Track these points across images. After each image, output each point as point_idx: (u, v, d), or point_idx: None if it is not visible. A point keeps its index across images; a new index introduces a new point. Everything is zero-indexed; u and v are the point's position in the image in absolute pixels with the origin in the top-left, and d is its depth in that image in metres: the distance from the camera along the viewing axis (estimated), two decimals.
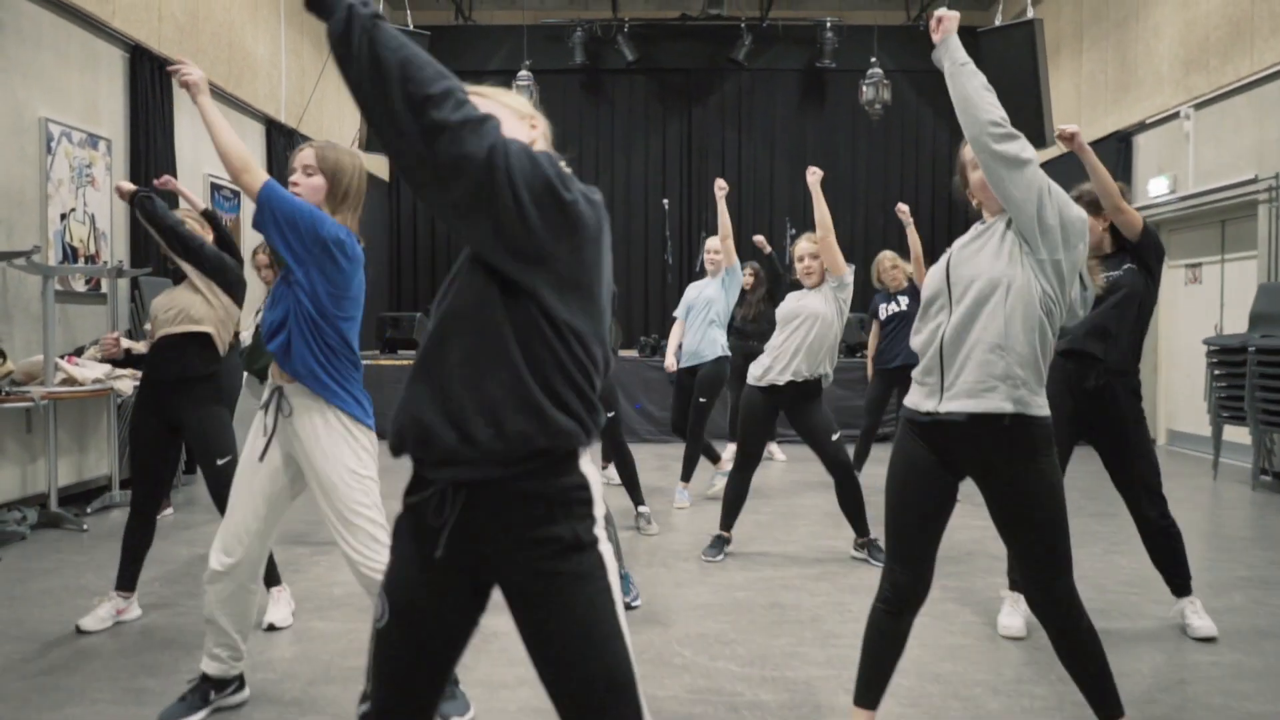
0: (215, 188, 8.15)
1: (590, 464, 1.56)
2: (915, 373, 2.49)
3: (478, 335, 1.51)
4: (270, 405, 2.74)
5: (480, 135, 1.39)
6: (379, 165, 12.71)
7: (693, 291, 6.37)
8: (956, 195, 2.66)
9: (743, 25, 12.48)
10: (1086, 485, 6.48)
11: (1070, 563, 2.40)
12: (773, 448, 8.43)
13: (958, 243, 2.50)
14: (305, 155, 2.74)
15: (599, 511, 1.55)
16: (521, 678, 3.11)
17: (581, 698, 1.52)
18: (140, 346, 4.19)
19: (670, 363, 6.48)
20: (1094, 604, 3.86)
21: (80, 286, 6.22)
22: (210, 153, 8.04)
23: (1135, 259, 3.58)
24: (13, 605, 3.94)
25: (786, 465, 8.15)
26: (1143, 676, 3.20)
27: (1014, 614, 3.65)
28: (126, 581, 3.71)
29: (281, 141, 9.35)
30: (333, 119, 10.91)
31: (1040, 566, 2.38)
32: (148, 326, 3.91)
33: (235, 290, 3.74)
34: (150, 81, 6.93)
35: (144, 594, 3.92)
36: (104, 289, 6.49)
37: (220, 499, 3.69)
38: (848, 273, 4.75)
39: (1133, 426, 3.59)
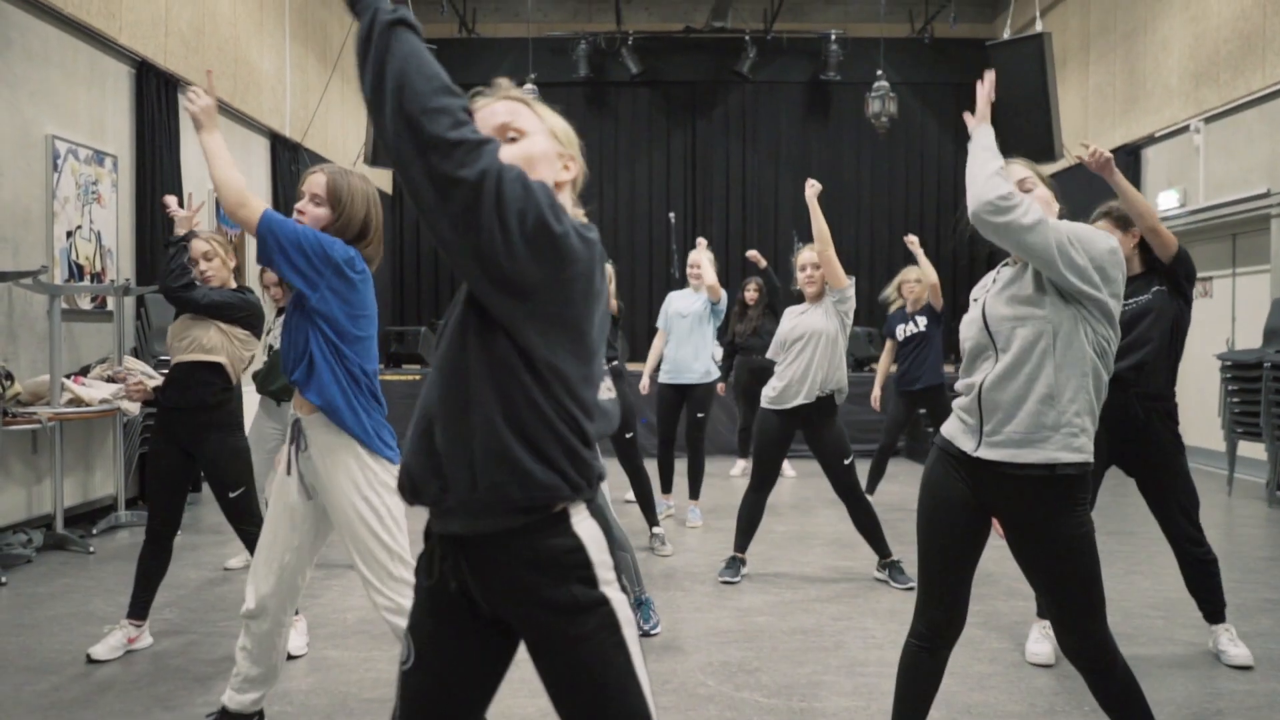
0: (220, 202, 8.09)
1: (587, 520, 1.49)
2: (957, 406, 2.43)
3: (455, 377, 1.45)
4: (290, 437, 2.68)
5: (475, 157, 1.33)
6: (383, 179, 12.68)
7: (678, 302, 6.24)
8: (971, 244, 2.60)
9: (747, 38, 12.47)
10: (1104, 503, 6.40)
11: (1104, 609, 2.33)
12: (784, 464, 8.36)
13: (988, 290, 2.43)
14: (315, 181, 2.66)
15: (601, 571, 1.48)
16: (544, 710, 3.04)
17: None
18: (159, 380, 4.14)
19: (645, 384, 6.41)
20: (1120, 629, 3.81)
21: (86, 304, 6.16)
22: None
23: (1166, 280, 3.52)
24: (21, 633, 3.87)
25: (796, 481, 8.09)
26: (1176, 706, 3.14)
27: (1042, 640, 3.58)
28: (139, 610, 3.64)
29: (286, 156, 9.30)
30: (337, 133, 10.87)
31: (1074, 613, 2.32)
32: (166, 356, 3.85)
33: (251, 324, 3.69)
34: (156, 97, 6.88)
35: (154, 619, 3.84)
36: (110, 306, 6.43)
37: (240, 530, 3.64)
38: (848, 285, 4.70)
39: (1172, 454, 3.53)
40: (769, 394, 4.75)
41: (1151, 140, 9.44)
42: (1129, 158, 9.72)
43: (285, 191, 9.26)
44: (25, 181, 5.63)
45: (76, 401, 5.32)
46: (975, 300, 2.47)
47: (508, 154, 1.48)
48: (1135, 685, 2.34)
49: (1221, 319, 8.75)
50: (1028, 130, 9.05)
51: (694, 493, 6.22)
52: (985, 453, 2.31)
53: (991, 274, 2.50)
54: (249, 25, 8.61)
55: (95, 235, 6.27)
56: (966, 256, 12.59)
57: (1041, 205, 2.41)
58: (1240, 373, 7.23)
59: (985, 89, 2.50)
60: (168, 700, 3.15)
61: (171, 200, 3.80)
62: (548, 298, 1.41)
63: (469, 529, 1.46)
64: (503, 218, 1.34)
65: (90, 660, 3.50)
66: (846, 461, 4.65)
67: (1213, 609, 3.63)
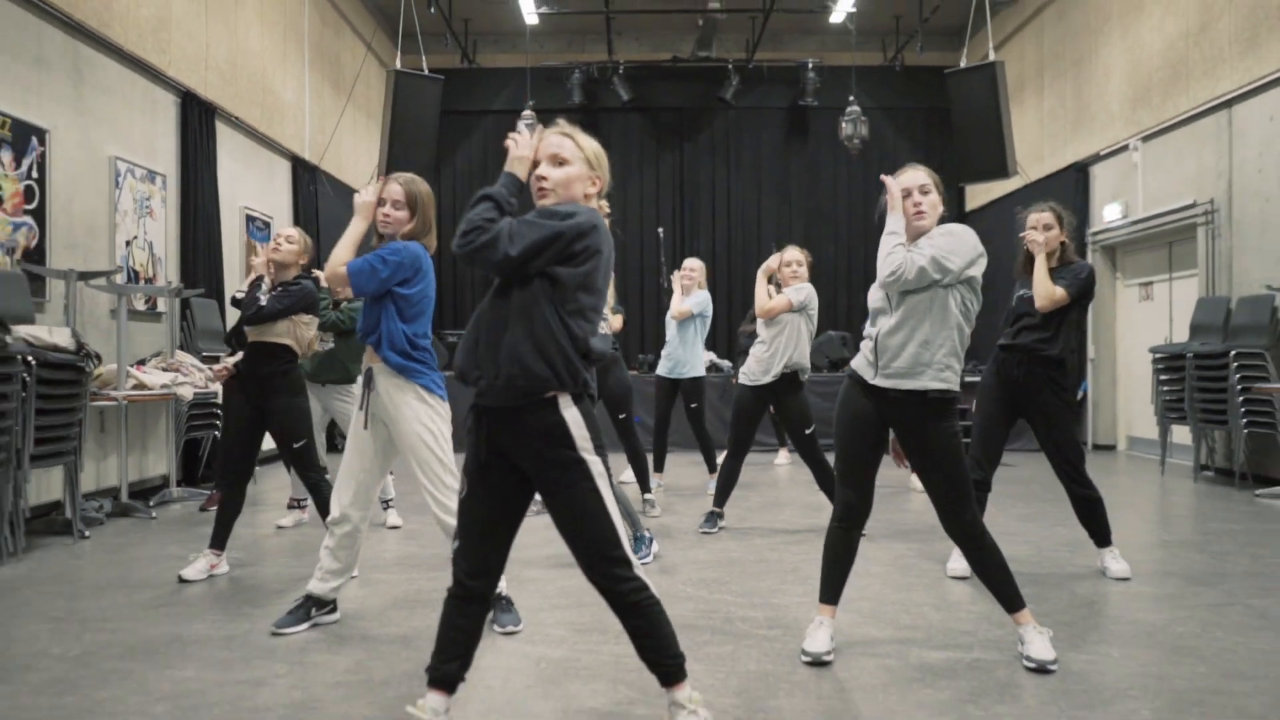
0: (249, 218, 8.91)
1: (571, 407, 2.32)
2: (863, 347, 3.25)
3: (499, 306, 2.33)
4: (363, 382, 3.48)
5: (504, 242, 2.25)
6: None
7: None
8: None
9: (730, 66, 13.38)
10: (1049, 480, 7.24)
11: (971, 496, 3.15)
12: (781, 453, 9.18)
13: None
14: (394, 190, 3.47)
15: (580, 442, 2.33)
16: (555, 604, 3.84)
17: (585, 554, 2.35)
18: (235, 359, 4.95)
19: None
20: (1032, 558, 4.65)
21: (140, 305, 6.96)
22: (245, 186, 8.85)
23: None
24: (115, 567, 4.64)
25: (782, 468, 8.88)
26: (1061, 601, 3.94)
27: (960, 559, 4.39)
28: (218, 542, 4.40)
29: (305, 177, 10.14)
30: (349, 156, 11.71)
31: (952, 500, 3.13)
32: (209, 352, 4.65)
33: (310, 309, 4.49)
34: (198, 124, 7.72)
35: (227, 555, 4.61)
36: (161, 308, 7.23)
37: (303, 476, 4.43)
38: (805, 304, 5.46)
39: (1057, 413, 4.34)
40: (745, 372, 5.56)
41: (1097, 158, 10.34)
42: (1079, 174, 10.62)
43: (304, 208, 10.09)
44: (93, 197, 6.45)
45: (140, 386, 6.12)
46: None
47: (556, 174, 2.41)
48: (1000, 557, 3.16)
49: (1161, 319, 9.61)
50: (983, 150, 9.95)
51: (711, 468, 7.02)
52: (880, 381, 3.14)
53: None
54: (274, 57, 9.47)
55: (148, 244, 7.09)
56: None
57: (932, 209, 3.22)
58: (1169, 364, 8.08)
59: (893, 184, 3.23)
60: (251, 603, 3.93)
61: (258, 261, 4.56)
62: (575, 269, 2.30)
63: (495, 404, 2.33)
64: (540, 255, 2.27)
65: (181, 580, 4.28)
66: (808, 430, 5.46)
67: (1100, 537, 4.44)
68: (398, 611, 3.80)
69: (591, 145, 2.52)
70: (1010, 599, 3.16)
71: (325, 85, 10.92)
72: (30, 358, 4.72)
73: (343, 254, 3.37)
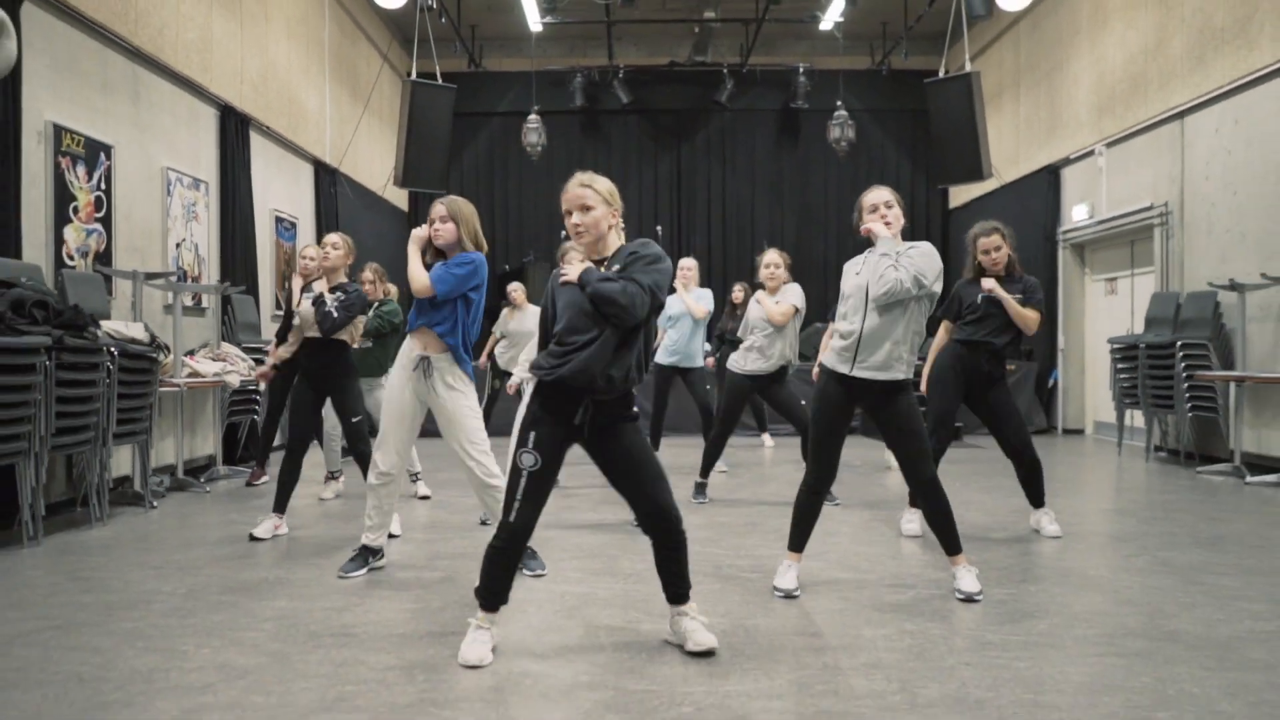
0: (278, 220, 9.62)
1: (634, 394, 3.19)
2: (836, 346, 3.98)
3: (606, 347, 3.07)
4: (418, 367, 4.21)
5: (639, 302, 3.02)
6: (400, 198, 14.22)
7: (679, 305, 7.65)
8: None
9: (725, 71, 14.09)
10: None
11: (929, 455, 3.89)
12: (765, 438, 9.90)
13: (862, 272, 3.97)
14: (438, 209, 4.15)
15: (635, 408, 3.16)
16: (572, 555, 4.58)
17: (645, 482, 3.11)
18: (284, 352, 5.66)
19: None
20: (984, 522, 5.37)
21: (188, 301, 7.67)
22: (274, 190, 9.55)
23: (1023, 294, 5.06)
24: (190, 529, 5.37)
25: (771, 451, 9.63)
26: (1001, 553, 4.67)
27: (912, 521, 5.12)
28: (280, 506, 5.13)
29: (326, 179, 10.85)
30: (366, 160, 12.42)
31: (914, 458, 3.86)
32: (296, 321, 5.36)
33: (362, 310, 5.22)
34: (235, 133, 8.42)
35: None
36: (204, 303, 7.95)
37: (354, 448, 5.16)
38: (797, 314, 6.19)
39: (1008, 393, 5.09)
40: (739, 363, 6.26)
41: (1067, 162, 11.07)
42: (1050, 177, 11.35)
43: (325, 209, 10.79)
44: (149, 204, 7.17)
45: (195, 375, 6.84)
46: (856, 274, 3.99)
47: (586, 219, 3.11)
48: (948, 508, 3.89)
49: (1124, 312, 10.35)
50: (960, 154, 10.68)
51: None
52: (858, 372, 3.86)
53: (863, 256, 4.03)
54: (299, 69, 10.17)
55: (194, 246, 7.80)
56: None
57: (896, 221, 3.94)
58: (1124, 353, 8.83)
59: (880, 228, 3.88)
60: (317, 555, 4.66)
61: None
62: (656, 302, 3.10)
63: (605, 397, 3.10)
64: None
65: (252, 538, 5.01)
66: (803, 403, 6.19)
67: (1036, 499, 5.18)
68: (440, 560, 4.53)
69: (605, 185, 3.21)
70: (950, 543, 3.90)
71: (344, 93, 11.61)
72: (113, 349, 5.44)
73: (418, 272, 4.08)
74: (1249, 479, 7.09)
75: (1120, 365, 8.91)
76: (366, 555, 4.31)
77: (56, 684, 2.84)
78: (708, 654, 3.09)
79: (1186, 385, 7.94)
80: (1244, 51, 7.87)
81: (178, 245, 7.54)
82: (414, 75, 10.58)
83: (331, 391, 5.10)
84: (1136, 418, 9.24)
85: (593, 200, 3.13)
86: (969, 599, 3.75)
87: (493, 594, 3.12)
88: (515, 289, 9.06)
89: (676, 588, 3.23)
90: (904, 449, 3.90)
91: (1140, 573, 4.26)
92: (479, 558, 3.19)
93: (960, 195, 14.49)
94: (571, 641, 3.28)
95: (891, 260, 3.80)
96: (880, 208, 3.93)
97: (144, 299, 7.02)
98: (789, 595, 3.85)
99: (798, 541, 4.01)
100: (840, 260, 14.71)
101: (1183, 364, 7.97)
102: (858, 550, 4.75)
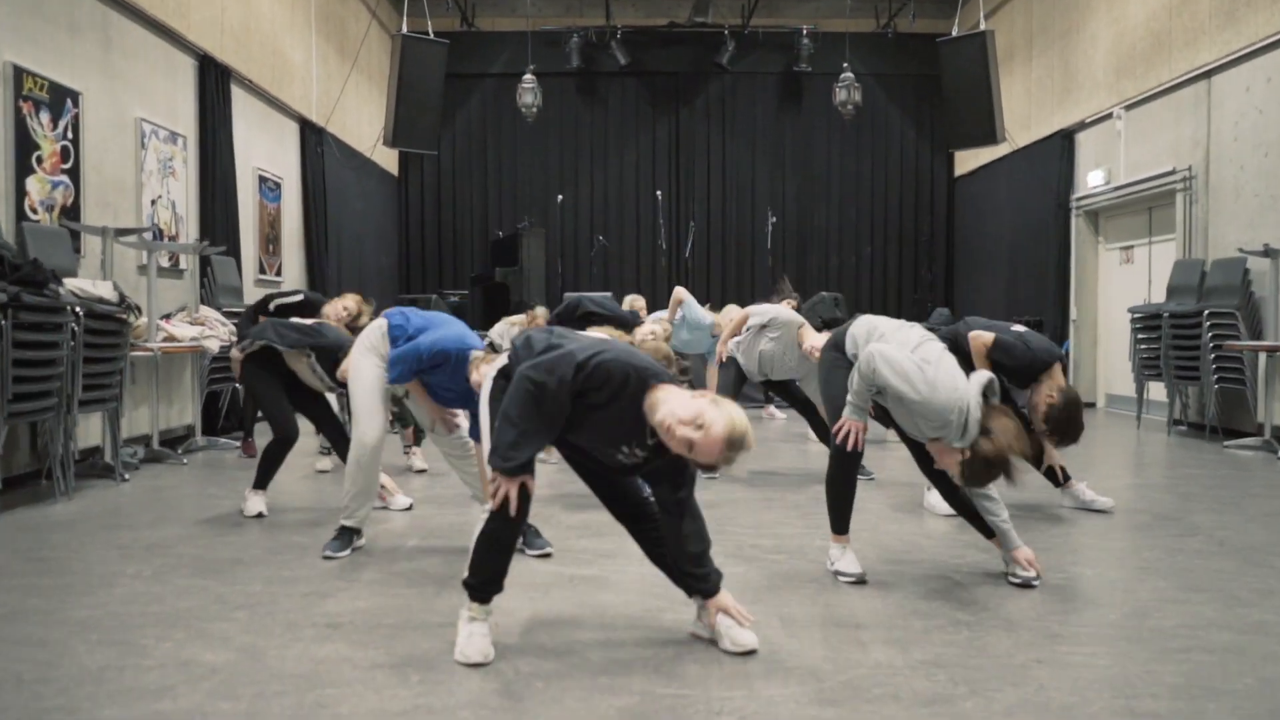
0: (261, 179, 9.15)
1: None
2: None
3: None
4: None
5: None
6: (389, 160, 13.74)
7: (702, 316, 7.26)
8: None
9: (726, 32, 13.60)
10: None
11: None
12: (771, 409, 9.55)
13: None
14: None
15: None
16: (579, 534, 4.20)
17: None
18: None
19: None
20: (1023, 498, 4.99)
21: (165, 262, 7.23)
22: (257, 147, 9.08)
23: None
24: (163, 504, 4.97)
25: (782, 422, 9.26)
26: (1042, 533, 4.31)
27: (930, 492, 4.75)
28: (261, 483, 4.72)
29: (313, 139, 10.36)
30: (354, 120, 11.92)
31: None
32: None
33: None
34: (215, 86, 7.94)
35: (274, 495, 4.94)
36: (182, 264, 7.50)
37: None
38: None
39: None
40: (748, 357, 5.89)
41: (1082, 126, 10.66)
42: (1064, 141, 10.93)
43: (311, 170, 10.32)
44: (121, 157, 6.70)
45: (171, 339, 6.41)
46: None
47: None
48: (966, 500, 3.53)
49: (1140, 281, 9.99)
50: (973, 117, 10.27)
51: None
52: None
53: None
54: (283, 20, 9.66)
55: (171, 203, 7.35)
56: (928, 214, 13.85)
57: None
58: (1146, 323, 8.47)
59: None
60: (301, 532, 4.27)
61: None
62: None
63: None
64: None
65: (245, 515, 4.60)
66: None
67: (1064, 473, 4.83)
68: (435, 540, 4.15)
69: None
70: (984, 530, 3.53)
71: (330, 49, 11.10)
72: (78, 309, 5.01)
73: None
74: None
75: (1141, 336, 8.55)
76: (350, 536, 3.93)
77: None
78: (748, 654, 2.72)
79: (1213, 356, 7.58)
80: (1278, 5, 7.45)
81: (153, 202, 7.08)
82: (404, 29, 10.09)
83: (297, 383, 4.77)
84: (1153, 390, 8.90)
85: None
86: (1026, 584, 3.38)
87: (486, 583, 2.72)
88: (540, 315, 8.59)
89: (683, 581, 2.93)
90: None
91: (1199, 555, 3.90)
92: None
93: (967, 162, 14.07)
94: (586, 635, 2.90)
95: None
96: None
97: (116, 258, 6.57)
98: (860, 580, 3.47)
99: (840, 523, 3.61)
100: (842, 227, 14.36)
101: (1209, 334, 7.61)
102: (888, 530, 4.38)
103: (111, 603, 3.19)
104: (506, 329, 8.66)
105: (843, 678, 2.55)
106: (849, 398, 3.44)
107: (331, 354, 4.56)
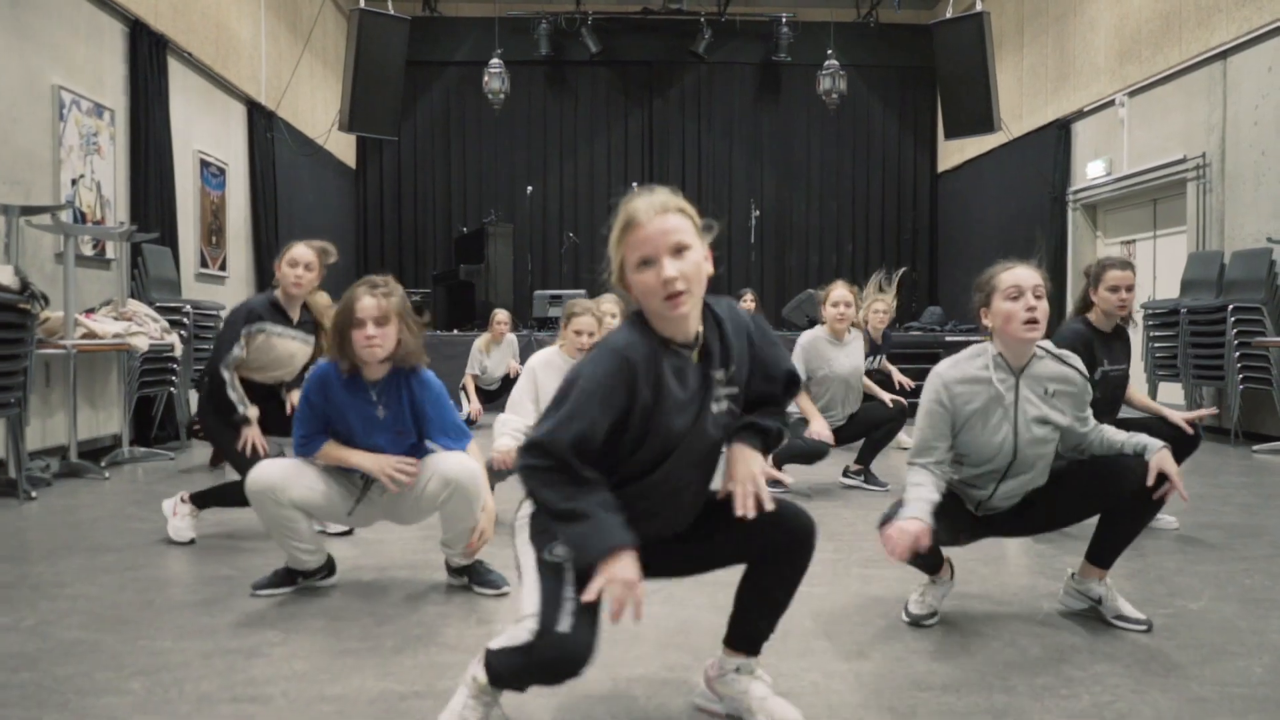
0: (204, 163, 8.34)
1: None
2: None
3: None
4: None
5: None
6: (346, 151, 12.94)
7: None
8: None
9: (702, 20, 12.96)
10: None
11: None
12: None
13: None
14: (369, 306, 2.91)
15: None
16: None
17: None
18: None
19: None
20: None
21: (88, 250, 6.42)
22: (199, 129, 8.29)
23: None
24: (70, 529, 4.19)
25: None
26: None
27: None
28: (202, 502, 3.94)
29: (262, 123, 9.55)
30: (307, 106, 11.11)
31: None
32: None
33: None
34: (149, 56, 7.14)
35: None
36: (110, 253, 6.69)
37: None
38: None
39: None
40: None
41: (1080, 115, 10.14)
42: (1060, 131, 10.41)
43: (260, 156, 9.51)
44: (36, 129, 5.90)
45: (90, 335, 5.61)
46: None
47: (686, 264, 1.83)
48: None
49: (1144, 277, 9.47)
50: (969, 103, 9.71)
51: None
52: None
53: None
54: None
55: (96, 184, 6.53)
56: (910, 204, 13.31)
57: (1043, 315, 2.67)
58: (1161, 319, 7.93)
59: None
60: (230, 565, 3.52)
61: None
62: None
63: None
64: None
65: (184, 542, 3.83)
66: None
67: None
68: (395, 573, 3.42)
69: (680, 204, 1.92)
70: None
71: (282, 28, 10.29)
72: None
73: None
74: None
75: (1157, 334, 8.01)
76: (294, 576, 3.18)
77: None
78: None
79: (1238, 353, 7.05)
80: None
81: (74, 181, 6.27)
82: (363, 4, 9.33)
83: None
84: (1164, 392, 8.36)
85: (689, 235, 1.88)
86: (1137, 625, 2.73)
87: (513, 684, 1.93)
88: (501, 319, 7.85)
89: (762, 631, 2.13)
90: None
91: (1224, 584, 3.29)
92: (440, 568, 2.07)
93: (951, 157, 13.55)
94: (598, 709, 2.21)
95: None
96: (1027, 294, 2.64)
97: (28, 244, 5.77)
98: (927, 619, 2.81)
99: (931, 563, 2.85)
100: (823, 222, 13.78)
101: (1234, 330, 7.08)
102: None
103: None
104: (480, 358, 7.95)
105: None
106: None
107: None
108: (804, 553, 2.04)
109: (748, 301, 7.95)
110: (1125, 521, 2.75)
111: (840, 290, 5.10)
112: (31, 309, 4.68)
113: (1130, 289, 4.00)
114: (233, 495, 3.79)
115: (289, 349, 4.09)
